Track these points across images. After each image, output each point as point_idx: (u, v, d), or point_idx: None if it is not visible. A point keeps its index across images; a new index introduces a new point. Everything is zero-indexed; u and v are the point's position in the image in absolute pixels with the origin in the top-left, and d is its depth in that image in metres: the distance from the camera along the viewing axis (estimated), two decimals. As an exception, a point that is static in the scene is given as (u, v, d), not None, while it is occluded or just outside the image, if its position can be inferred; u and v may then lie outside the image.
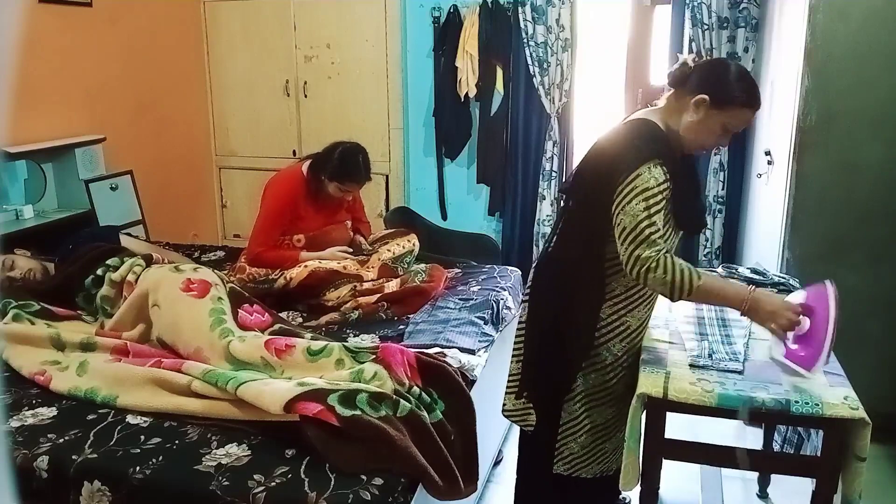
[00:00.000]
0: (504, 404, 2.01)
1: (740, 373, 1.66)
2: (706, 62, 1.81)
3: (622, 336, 1.79)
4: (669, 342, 1.85)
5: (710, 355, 1.74)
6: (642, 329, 1.85)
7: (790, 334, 1.65)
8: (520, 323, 1.95)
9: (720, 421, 1.80)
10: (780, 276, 2.26)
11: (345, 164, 2.71)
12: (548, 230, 3.96)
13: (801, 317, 1.62)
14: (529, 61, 3.87)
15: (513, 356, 1.97)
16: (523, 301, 1.96)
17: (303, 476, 1.57)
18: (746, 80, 1.71)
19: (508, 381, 2.00)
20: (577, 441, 1.85)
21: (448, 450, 1.75)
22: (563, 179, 3.90)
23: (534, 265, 1.95)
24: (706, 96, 1.66)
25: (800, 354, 1.62)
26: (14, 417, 1.82)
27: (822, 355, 1.58)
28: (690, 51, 3.56)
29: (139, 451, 1.68)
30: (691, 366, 1.71)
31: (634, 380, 1.73)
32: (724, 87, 1.67)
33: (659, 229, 1.61)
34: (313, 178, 2.75)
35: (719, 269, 2.36)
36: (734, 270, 2.32)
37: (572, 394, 1.82)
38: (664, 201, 1.63)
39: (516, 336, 1.97)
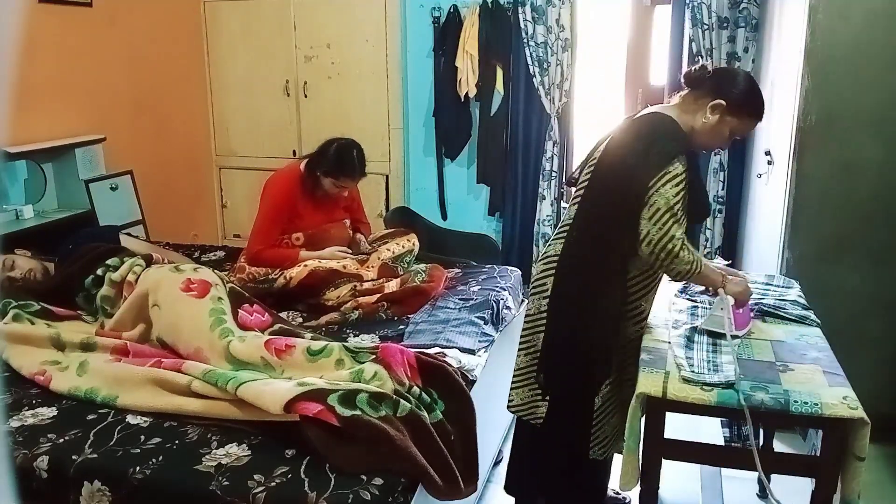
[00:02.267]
0: (511, 399, 2.05)
1: (731, 385, 1.62)
2: (723, 69, 1.94)
3: (635, 320, 1.91)
4: (669, 342, 1.86)
5: (690, 366, 1.71)
6: (649, 312, 1.96)
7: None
8: (528, 315, 2.00)
9: (720, 421, 1.81)
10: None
11: (339, 159, 2.73)
12: (548, 230, 3.97)
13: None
14: (529, 61, 3.86)
15: (520, 349, 2.02)
16: (532, 293, 1.99)
17: (303, 476, 1.57)
18: (757, 92, 1.85)
19: (515, 375, 2.04)
20: (609, 423, 1.93)
21: (448, 450, 1.75)
22: (570, 173, 3.90)
23: (540, 260, 2.00)
24: (723, 101, 1.79)
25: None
26: (14, 417, 1.82)
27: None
28: (691, 51, 3.56)
29: (139, 451, 1.68)
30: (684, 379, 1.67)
31: None
32: (740, 95, 1.81)
33: (683, 215, 1.76)
34: (309, 175, 2.76)
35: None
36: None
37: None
38: (684, 192, 1.76)
39: (524, 330, 2.01)
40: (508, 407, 2.06)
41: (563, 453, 1.99)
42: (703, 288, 2.15)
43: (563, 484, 2.03)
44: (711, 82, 1.81)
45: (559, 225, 2.01)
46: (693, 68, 1.86)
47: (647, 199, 1.74)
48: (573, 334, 1.90)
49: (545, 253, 1.98)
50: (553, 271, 1.93)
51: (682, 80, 1.87)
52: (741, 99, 1.79)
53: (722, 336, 1.81)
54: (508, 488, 2.16)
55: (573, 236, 1.90)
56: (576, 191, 1.96)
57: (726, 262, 2.35)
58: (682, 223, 1.75)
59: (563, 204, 4.05)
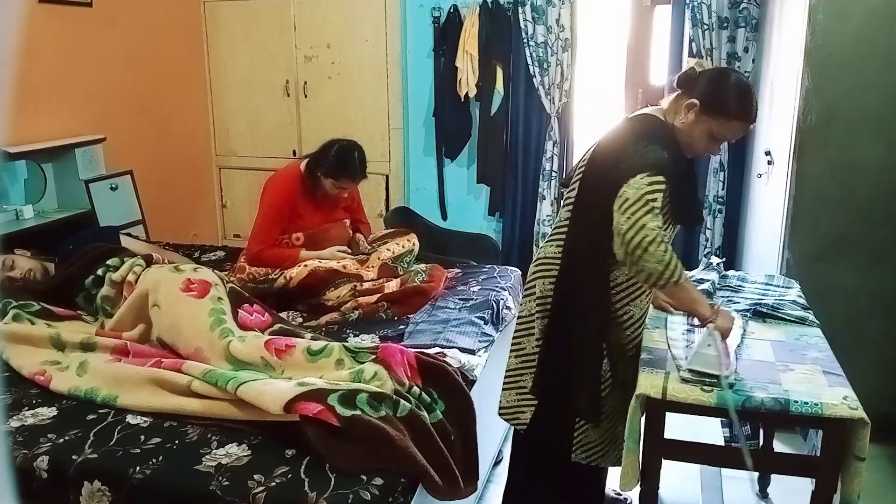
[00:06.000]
0: (500, 402, 2.04)
1: (731, 385, 1.60)
2: (712, 69, 1.83)
3: (626, 325, 1.86)
4: (668, 343, 1.85)
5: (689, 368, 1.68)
6: (644, 318, 1.90)
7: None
8: (520, 317, 1.99)
9: (720, 421, 1.80)
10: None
11: (340, 160, 2.73)
12: (548, 230, 3.96)
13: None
14: (529, 61, 3.87)
15: (510, 351, 2.01)
16: (524, 296, 1.98)
17: (303, 476, 1.57)
18: (743, 93, 1.73)
19: (505, 377, 2.03)
20: (595, 429, 1.89)
21: (448, 450, 1.75)
22: (564, 175, 3.90)
23: (533, 263, 1.97)
24: (697, 101, 1.71)
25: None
26: (14, 417, 1.82)
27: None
28: (691, 51, 3.56)
29: (139, 451, 1.68)
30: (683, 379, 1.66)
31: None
32: (718, 95, 1.71)
33: (660, 207, 1.64)
34: (310, 176, 2.76)
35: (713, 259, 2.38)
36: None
37: None
38: (662, 194, 1.66)
39: (515, 331, 2.00)
40: (499, 411, 2.04)
41: (548, 458, 1.96)
42: (688, 317, 1.95)
43: (555, 490, 2.00)
44: (698, 83, 1.75)
45: (553, 228, 1.97)
46: (683, 70, 1.80)
47: (620, 193, 1.65)
48: (563, 341, 1.84)
49: (537, 256, 1.96)
50: (542, 274, 1.91)
51: (675, 83, 1.80)
52: (717, 98, 1.70)
53: (711, 377, 1.62)
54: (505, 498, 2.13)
55: (570, 239, 1.86)
56: (567, 192, 1.93)
57: (721, 260, 2.36)
58: (657, 216, 1.62)
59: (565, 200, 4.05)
